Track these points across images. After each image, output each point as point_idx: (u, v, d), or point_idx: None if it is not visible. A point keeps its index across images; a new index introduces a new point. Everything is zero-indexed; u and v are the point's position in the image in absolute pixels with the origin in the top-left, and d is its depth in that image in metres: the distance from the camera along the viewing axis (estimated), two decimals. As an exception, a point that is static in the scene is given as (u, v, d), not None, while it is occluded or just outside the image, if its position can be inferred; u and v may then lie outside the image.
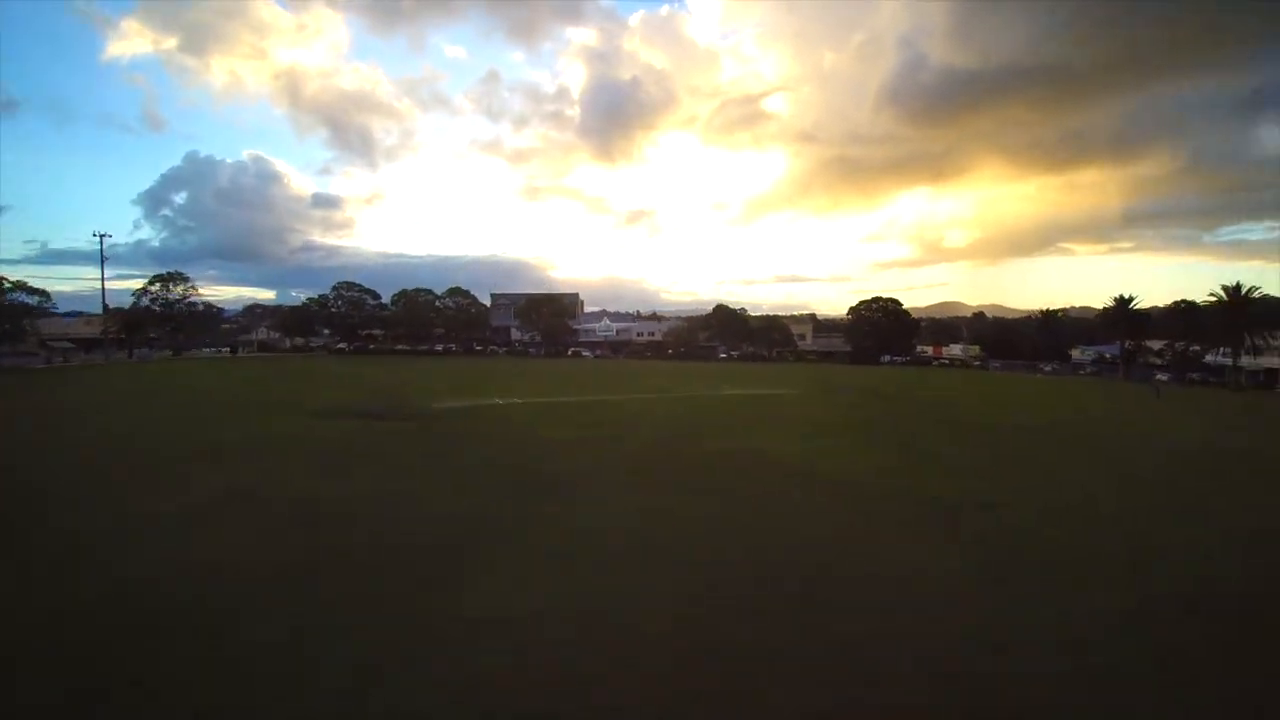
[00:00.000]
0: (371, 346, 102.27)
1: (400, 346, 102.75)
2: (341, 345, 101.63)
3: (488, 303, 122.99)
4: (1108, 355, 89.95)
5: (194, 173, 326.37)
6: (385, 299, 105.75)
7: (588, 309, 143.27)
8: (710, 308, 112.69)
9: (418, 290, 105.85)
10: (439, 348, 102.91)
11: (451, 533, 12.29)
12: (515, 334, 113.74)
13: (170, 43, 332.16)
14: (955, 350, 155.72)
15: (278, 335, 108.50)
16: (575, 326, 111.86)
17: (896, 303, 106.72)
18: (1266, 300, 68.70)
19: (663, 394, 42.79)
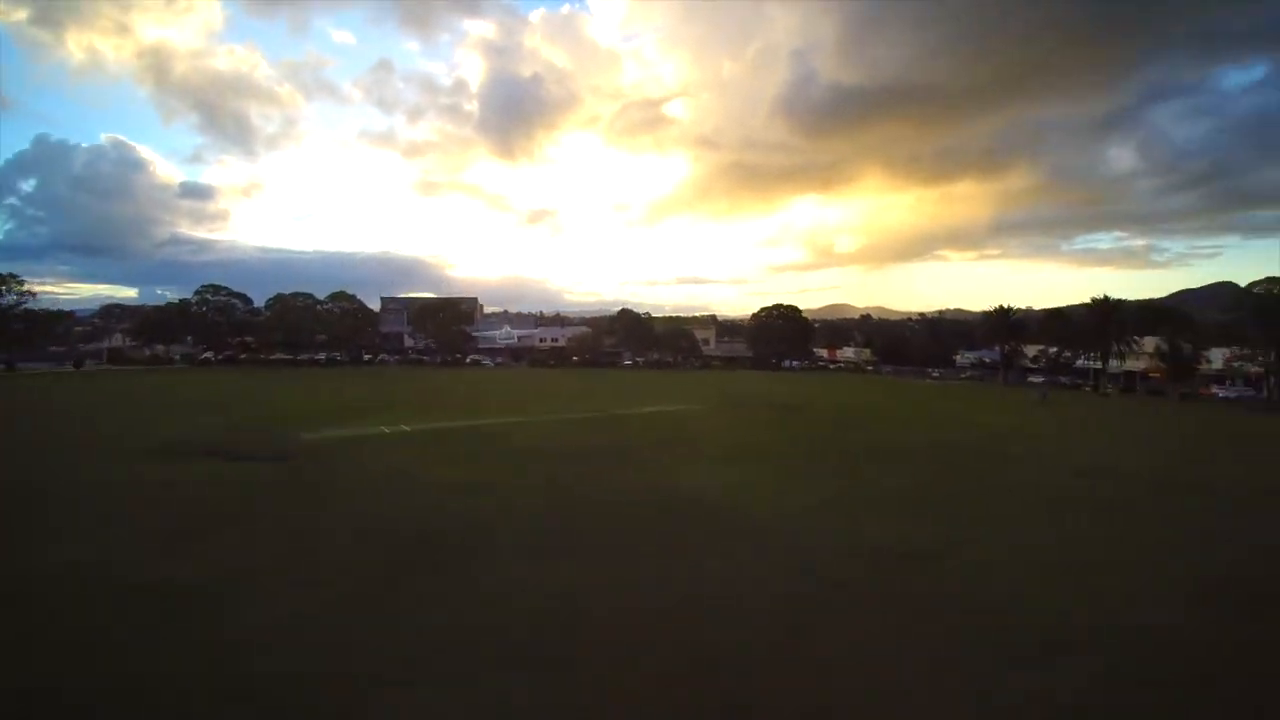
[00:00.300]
0: (243, 356, 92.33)
1: (277, 356, 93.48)
2: (208, 355, 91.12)
3: (379, 305, 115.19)
4: (987, 360, 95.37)
5: (45, 157, 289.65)
6: (267, 297, 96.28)
7: (488, 310, 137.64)
8: (614, 308, 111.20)
9: (295, 294, 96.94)
10: (321, 357, 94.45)
11: (297, 656, 8.97)
12: (408, 340, 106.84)
13: (19, 14, 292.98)
14: (849, 353, 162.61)
15: (135, 343, 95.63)
16: (474, 333, 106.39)
17: (795, 309, 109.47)
18: (1127, 305, 74.65)
19: (568, 413, 39.91)
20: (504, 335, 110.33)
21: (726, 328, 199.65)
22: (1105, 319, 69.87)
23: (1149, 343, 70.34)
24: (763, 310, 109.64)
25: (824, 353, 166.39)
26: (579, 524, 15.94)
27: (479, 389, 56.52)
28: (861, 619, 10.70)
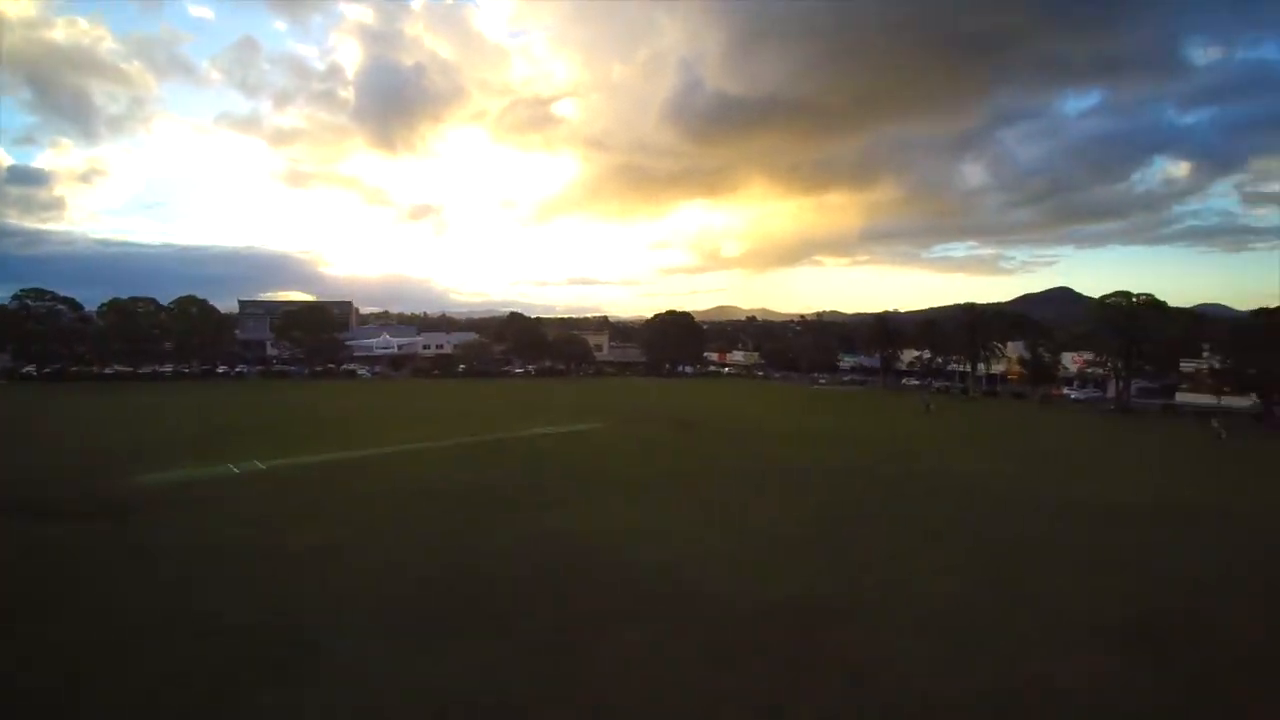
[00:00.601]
0: (74, 369, 79.73)
1: (115, 370, 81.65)
2: (29, 370, 77.93)
3: (239, 309, 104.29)
4: (866, 364, 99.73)
5: None
6: (108, 296, 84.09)
7: (365, 311, 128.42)
8: (503, 309, 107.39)
9: (135, 298, 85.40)
10: (167, 370, 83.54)
11: None
12: (272, 349, 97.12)
13: None
14: (738, 357, 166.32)
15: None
16: (348, 341, 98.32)
17: (688, 316, 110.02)
18: (990, 313, 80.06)
19: (451, 437, 36.29)
20: (382, 344, 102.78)
21: (620, 330, 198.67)
22: (974, 328, 74.39)
23: (1013, 349, 75.76)
24: (656, 316, 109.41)
25: (715, 356, 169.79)
26: (461, 603, 13.16)
27: (350, 408, 51.17)
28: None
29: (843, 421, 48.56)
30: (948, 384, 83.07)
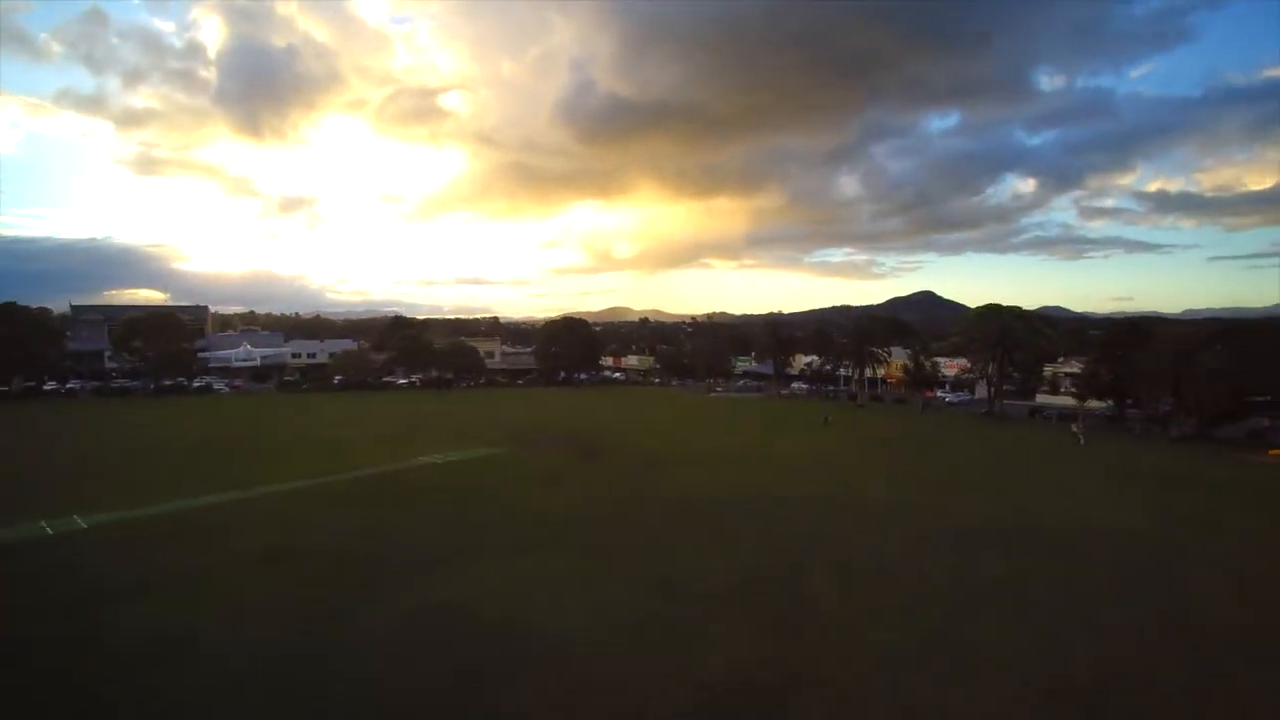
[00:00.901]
0: None
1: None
2: None
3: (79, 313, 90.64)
4: (759, 370, 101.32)
5: None
6: None
7: (230, 309, 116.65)
8: (385, 310, 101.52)
9: (-74, 305, 71.73)
10: (-29, 389, 70.72)
11: None
12: (110, 361, 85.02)
13: None
14: (632, 362, 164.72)
15: None
16: (202, 352, 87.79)
17: (584, 322, 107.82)
18: (875, 321, 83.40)
19: (313, 475, 31.75)
20: (243, 355, 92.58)
21: (512, 333, 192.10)
22: (861, 337, 77.05)
23: (897, 356, 79.23)
24: (551, 322, 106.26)
25: (610, 361, 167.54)
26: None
27: (201, 436, 44.52)
28: None
29: (752, 438, 47.63)
30: (835, 389, 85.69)
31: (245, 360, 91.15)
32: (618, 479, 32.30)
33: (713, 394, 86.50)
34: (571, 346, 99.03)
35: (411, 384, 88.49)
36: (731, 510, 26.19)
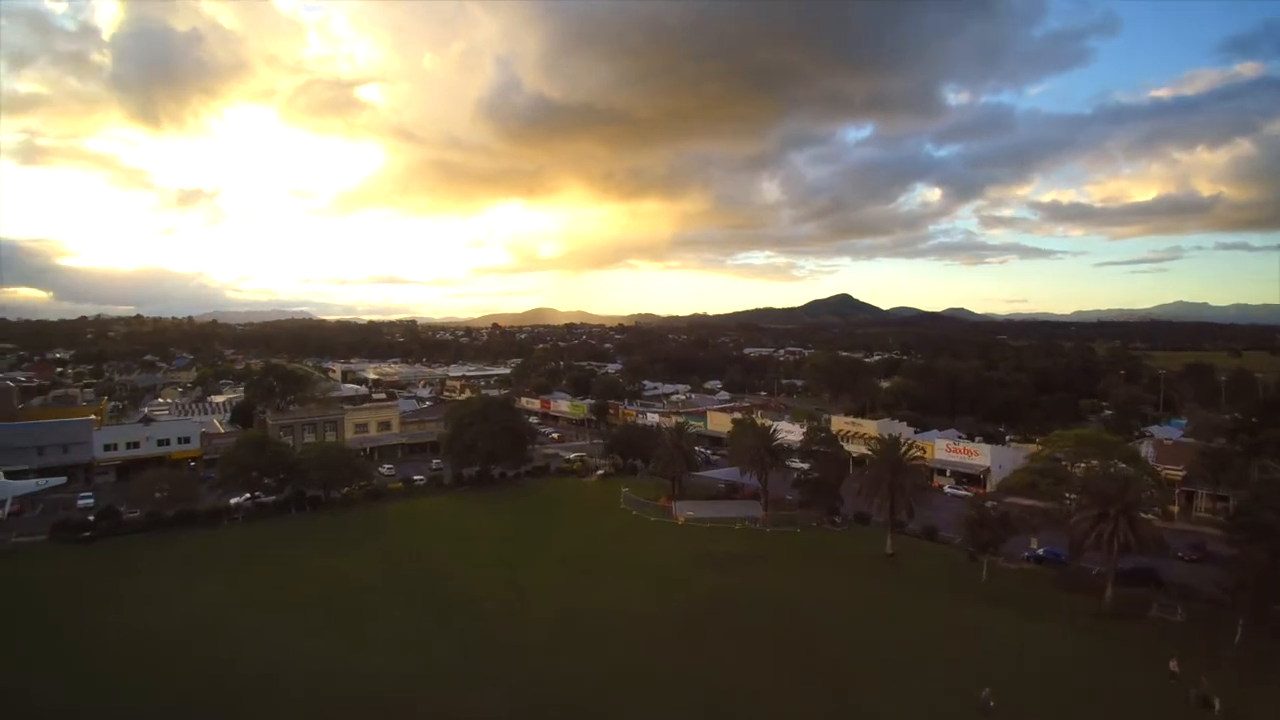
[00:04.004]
0: None
1: None
2: None
3: None
4: (727, 477, 77.00)
5: None
6: None
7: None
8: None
9: None
10: None
11: None
12: None
13: None
14: (563, 406, 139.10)
15: None
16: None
17: (509, 407, 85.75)
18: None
19: None
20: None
21: (430, 343, 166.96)
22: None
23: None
24: (463, 402, 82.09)
25: (537, 403, 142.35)
26: None
27: None
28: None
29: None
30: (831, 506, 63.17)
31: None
32: None
33: (684, 518, 62.20)
34: (493, 436, 73.76)
35: (242, 512, 61.35)
36: None
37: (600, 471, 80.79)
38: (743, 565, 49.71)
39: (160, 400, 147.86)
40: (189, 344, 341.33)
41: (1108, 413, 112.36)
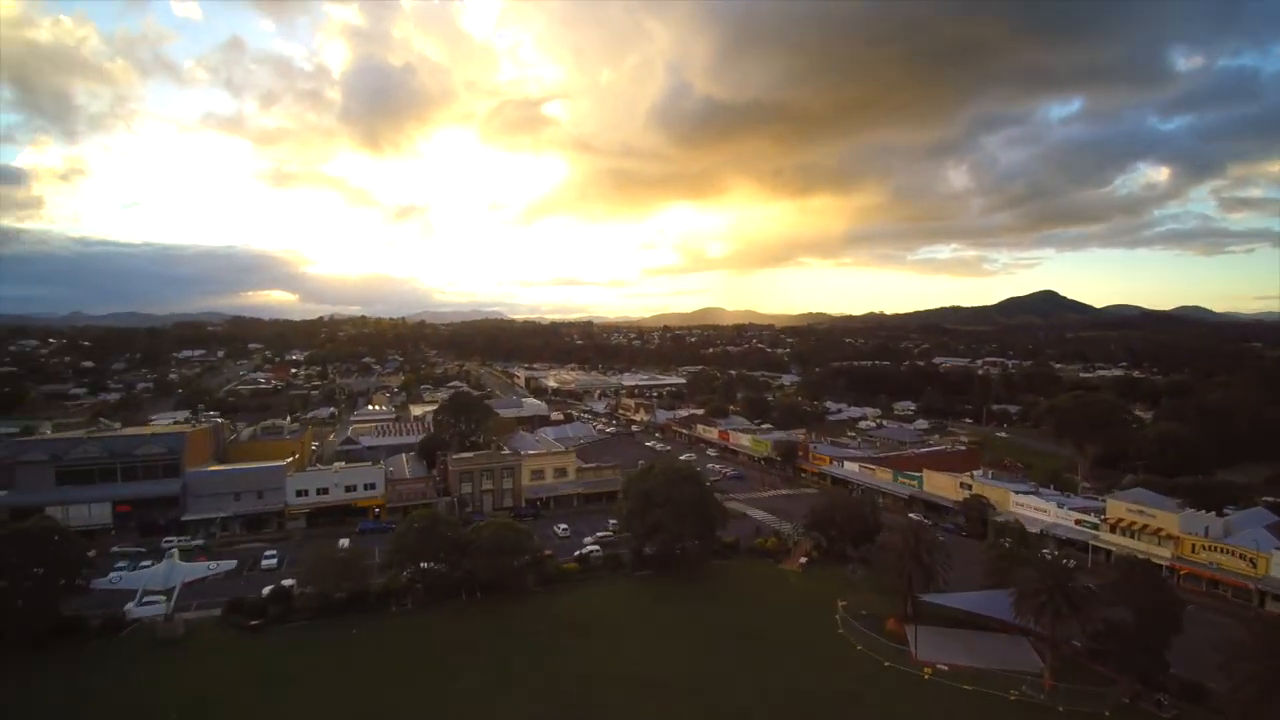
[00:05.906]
0: None
1: None
2: None
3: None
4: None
5: None
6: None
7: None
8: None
9: None
10: None
11: None
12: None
13: None
14: (744, 441, 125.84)
15: None
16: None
17: (696, 480, 70.62)
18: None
19: None
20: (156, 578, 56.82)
21: (605, 349, 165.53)
22: None
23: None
24: (645, 473, 74.67)
25: (713, 433, 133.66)
26: None
27: None
28: None
29: None
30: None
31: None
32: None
33: (930, 669, 45.76)
34: (680, 519, 62.62)
35: (413, 595, 57.35)
36: None
37: (804, 559, 67.30)
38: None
39: (371, 407, 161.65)
40: (401, 344, 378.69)
41: None
